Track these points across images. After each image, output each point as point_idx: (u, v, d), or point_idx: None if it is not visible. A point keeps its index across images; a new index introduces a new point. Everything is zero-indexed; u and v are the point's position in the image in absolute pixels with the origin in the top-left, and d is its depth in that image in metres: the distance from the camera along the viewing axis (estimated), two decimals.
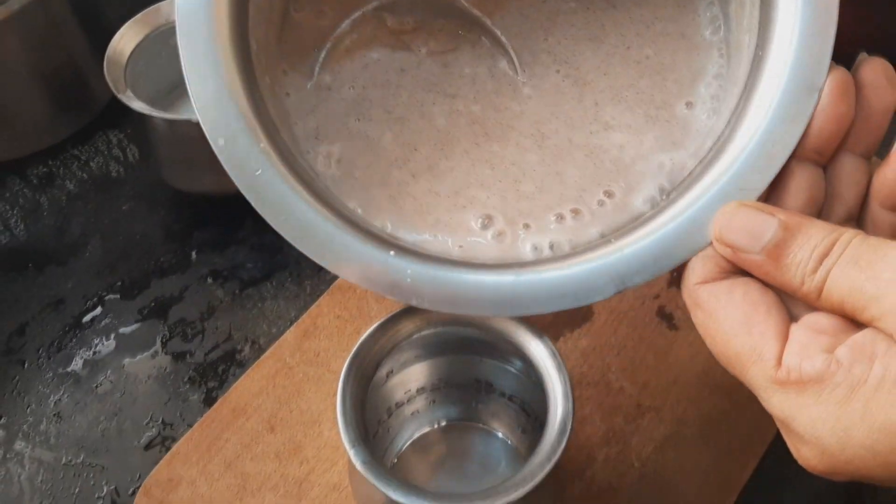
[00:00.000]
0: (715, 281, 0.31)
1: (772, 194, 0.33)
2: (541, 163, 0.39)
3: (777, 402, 0.28)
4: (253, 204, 0.34)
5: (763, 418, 0.54)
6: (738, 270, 0.31)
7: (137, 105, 0.58)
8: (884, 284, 0.27)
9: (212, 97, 0.34)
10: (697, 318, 0.32)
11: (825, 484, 0.54)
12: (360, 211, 0.38)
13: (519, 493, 0.38)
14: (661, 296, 0.58)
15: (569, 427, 0.39)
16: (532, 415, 0.50)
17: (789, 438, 0.29)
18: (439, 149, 0.40)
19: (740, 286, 0.30)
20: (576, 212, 0.38)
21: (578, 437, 0.53)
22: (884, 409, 0.26)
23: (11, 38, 0.65)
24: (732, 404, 0.54)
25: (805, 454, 0.28)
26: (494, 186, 0.39)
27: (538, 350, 0.42)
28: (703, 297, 0.31)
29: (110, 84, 0.59)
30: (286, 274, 0.64)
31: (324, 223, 0.35)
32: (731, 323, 0.30)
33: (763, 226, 0.29)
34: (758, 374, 0.29)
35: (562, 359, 0.41)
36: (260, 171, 0.34)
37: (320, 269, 0.65)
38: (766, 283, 0.31)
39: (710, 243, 0.32)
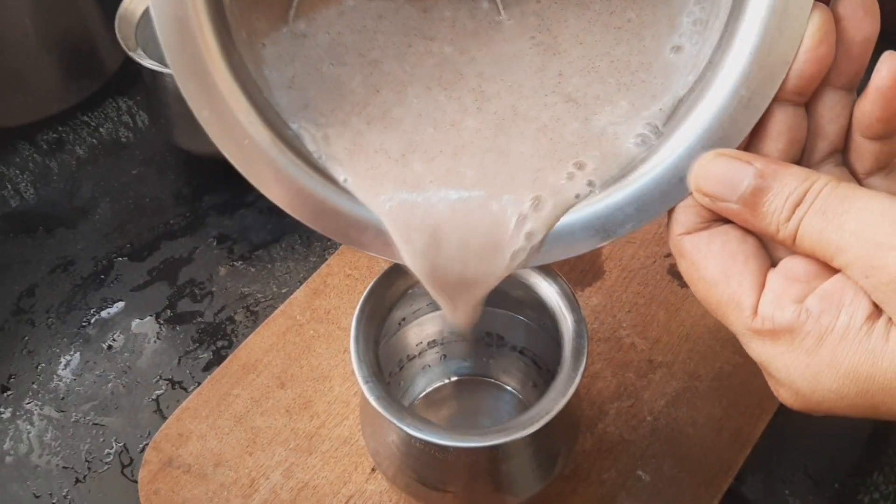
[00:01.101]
0: (697, 231, 0.32)
1: (752, 139, 0.32)
2: (478, 132, 0.37)
3: (755, 348, 0.30)
4: (245, 175, 0.34)
5: None
6: (719, 218, 0.31)
7: (149, 63, 0.58)
8: (848, 236, 0.27)
9: (190, 65, 0.32)
10: (682, 267, 0.32)
11: (839, 440, 0.54)
12: (322, 162, 0.36)
13: (534, 427, 0.37)
14: (672, 255, 0.58)
15: (583, 362, 0.39)
16: (543, 367, 0.50)
17: (768, 380, 0.31)
18: (397, 91, 0.38)
19: (720, 236, 0.31)
20: (537, 199, 0.35)
21: (590, 392, 0.53)
22: (848, 357, 0.27)
23: (21, 2, 0.65)
24: (744, 359, 0.53)
25: (782, 394, 0.30)
26: (437, 158, 0.36)
27: (550, 291, 0.42)
28: (686, 248, 0.32)
29: (121, 42, 0.59)
30: (295, 236, 0.64)
31: (319, 189, 0.35)
32: (711, 273, 0.31)
33: (739, 175, 0.30)
34: (737, 322, 0.30)
35: (575, 297, 0.41)
36: (247, 141, 0.34)
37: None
38: (746, 230, 0.31)
39: (690, 194, 0.32)
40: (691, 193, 0.31)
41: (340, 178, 0.35)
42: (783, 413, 0.52)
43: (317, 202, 0.34)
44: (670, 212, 0.33)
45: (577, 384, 0.38)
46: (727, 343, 0.54)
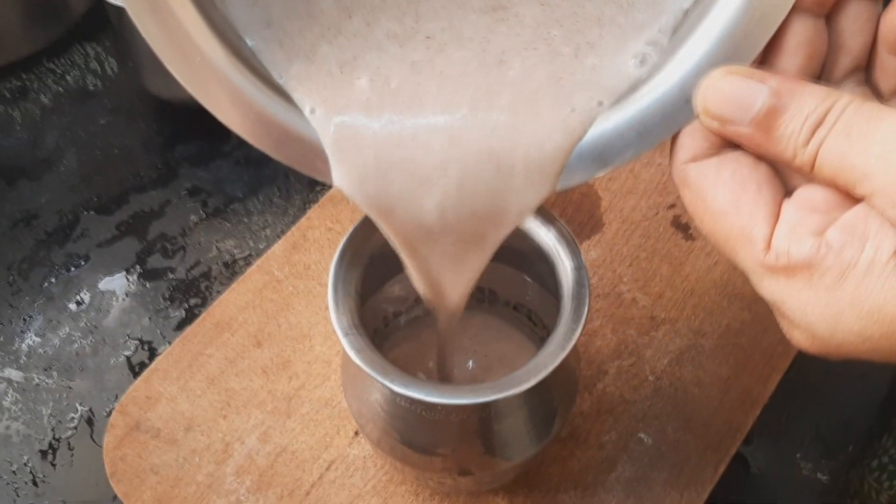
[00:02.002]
0: (704, 158, 0.29)
1: (767, 54, 0.29)
2: (464, 62, 0.33)
3: (767, 286, 0.27)
4: (198, 97, 0.30)
5: None
6: (728, 144, 0.29)
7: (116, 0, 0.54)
8: (874, 161, 0.25)
9: None
10: (686, 197, 0.30)
11: (853, 402, 0.51)
12: (284, 84, 0.32)
13: (530, 382, 0.34)
14: (676, 205, 0.55)
15: (584, 313, 0.35)
16: (539, 324, 0.46)
17: (781, 321, 0.29)
18: (372, 19, 0.33)
19: (730, 163, 0.29)
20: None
21: (588, 350, 0.50)
22: (873, 294, 0.25)
23: None
24: (753, 315, 0.50)
25: (797, 337, 0.28)
26: (416, 85, 0.32)
27: (548, 237, 0.38)
28: (691, 176, 0.29)
29: None
30: (274, 188, 0.61)
31: (282, 114, 0.31)
32: (719, 203, 0.28)
33: (752, 94, 0.27)
34: (747, 258, 0.28)
35: (576, 242, 0.37)
36: (199, 59, 0.30)
37: (311, 183, 0.62)
38: (758, 156, 0.29)
39: (696, 117, 0.29)
40: (698, 116, 0.29)
41: (306, 108, 0.31)
42: (794, 372, 0.49)
43: (279, 128, 0.31)
44: (674, 137, 0.30)
45: (578, 336, 0.35)
46: (735, 298, 0.51)
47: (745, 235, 0.27)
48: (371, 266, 0.39)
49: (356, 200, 0.31)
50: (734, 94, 0.27)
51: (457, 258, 0.34)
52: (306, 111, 0.31)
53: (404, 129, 0.31)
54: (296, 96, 0.31)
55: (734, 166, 0.28)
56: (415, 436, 0.39)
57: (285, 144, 0.31)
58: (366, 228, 0.39)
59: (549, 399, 0.40)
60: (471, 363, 0.46)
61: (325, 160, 0.31)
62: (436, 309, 0.36)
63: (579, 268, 0.36)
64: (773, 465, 0.49)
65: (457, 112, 0.31)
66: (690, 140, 0.29)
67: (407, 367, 0.46)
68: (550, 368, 0.34)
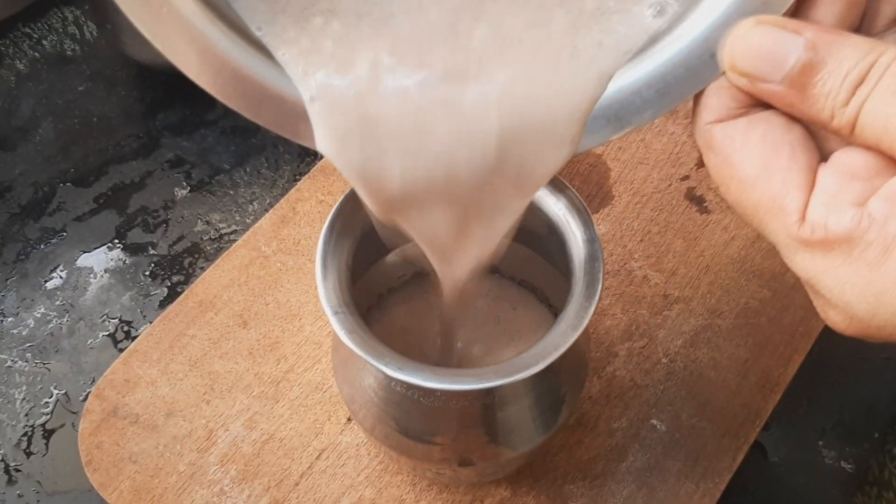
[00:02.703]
0: (731, 118, 0.27)
1: (802, 2, 0.27)
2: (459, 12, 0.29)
3: (801, 261, 0.25)
4: (164, 51, 0.27)
5: (810, 306, 0.48)
6: (758, 103, 0.27)
7: None
8: None
9: None
10: (711, 162, 0.27)
11: (878, 386, 0.48)
12: (263, 38, 0.29)
13: (538, 366, 0.31)
14: (690, 177, 0.51)
15: (598, 290, 0.32)
16: (545, 302, 0.43)
17: (815, 300, 0.27)
18: None
19: (760, 124, 0.26)
20: None
21: (597, 331, 0.46)
22: None
23: None
24: (773, 293, 0.47)
25: (833, 318, 0.26)
26: (409, 37, 0.28)
27: (557, 206, 0.35)
28: (717, 139, 0.27)
29: None
30: (262, 159, 0.57)
31: (260, 71, 0.28)
32: (748, 169, 0.26)
33: (785, 48, 0.25)
34: (779, 230, 0.25)
35: (588, 211, 0.34)
36: (166, 9, 0.26)
37: (301, 153, 0.58)
38: (791, 117, 0.26)
39: (722, 73, 0.27)
40: (724, 72, 0.26)
41: (289, 63, 0.28)
42: (817, 354, 0.46)
43: (256, 87, 0.27)
44: (697, 96, 0.27)
45: (591, 315, 0.32)
46: (753, 275, 0.48)
47: (776, 205, 0.25)
48: (364, 238, 0.36)
49: (342, 168, 0.28)
50: (765, 47, 0.25)
51: (471, 235, 0.30)
52: (289, 67, 0.27)
53: (403, 87, 0.27)
54: (278, 53, 0.28)
55: (765, 128, 0.26)
56: (411, 423, 0.36)
57: (263, 105, 0.28)
58: (358, 197, 0.35)
59: (557, 384, 0.37)
60: (475, 346, 0.43)
61: (308, 122, 0.27)
62: (447, 290, 0.33)
63: (592, 240, 0.33)
64: (793, 453, 0.47)
65: (466, 68, 0.28)
66: (716, 99, 0.27)
67: (403, 348, 0.43)
68: (561, 350, 0.31)
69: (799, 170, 0.25)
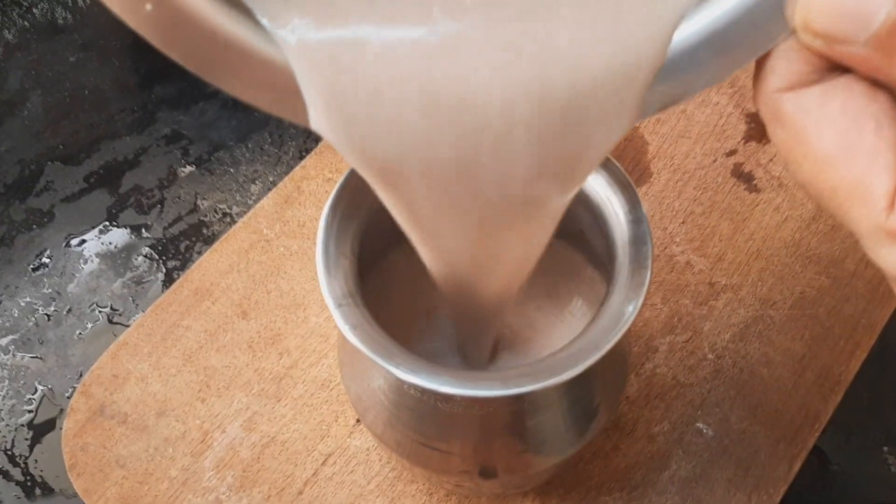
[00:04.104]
0: (804, 86, 0.23)
1: None
2: None
3: (887, 255, 0.22)
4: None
5: (874, 295, 0.43)
6: (836, 67, 0.23)
7: None
8: None
9: None
10: (779, 137, 0.24)
11: None
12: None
13: (577, 368, 0.26)
14: (738, 151, 0.47)
15: (646, 279, 0.28)
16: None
17: None
18: None
19: (839, 94, 0.23)
20: None
21: (635, 323, 0.42)
22: None
23: None
24: (832, 281, 0.43)
25: None
26: None
27: (596, 181, 0.30)
28: (786, 110, 0.23)
29: None
30: (265, 134, 0.54)
31: (241, 33, 0.23)
32: (825, 147, 0.23)
33: (871, 2, 0.22)
34: (862, 218, 0.23)
35: (634, 189, 0.29)
36: None
37: (306, 129, 0.54)
38: (876, 84, 0.23)
39: (793, 33, 0.23)
40: (795, 32, 0.23)
41: (277, 22, 0.23)
42: (881, 349, 0.42)
43: (237, 53, 0.23)
44: (760, 59, 0.24)
45: (638, 309, 0.27)
46: (809, 261, 0.44)
47: (860, 189, 0.22)
48: (373, 221, 0.31)
49: (344, 151, 0.24)
50: (847, 2, 0.22)
51: (506, 236, 0.26)
52: (277, 28, 0.23)
53: (426, 49, 0.22)
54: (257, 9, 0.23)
55: (844, 98, 0.23)
56: (427, 430, 0.32)
57: (243, 73, 0.23)
58: None
59: (594, 387, 0.32)
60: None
61: (301, 96, 0.23)
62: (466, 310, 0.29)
63: (639, 220, 0.29)
64: (855, 461, 0.43)
65: (507, 26, 0.23)
66: (785, 63, 0.23)
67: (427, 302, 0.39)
68: (603, 351, 0.26)
69: (887, 148, 0.22)
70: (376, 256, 0.35)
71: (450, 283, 0.29)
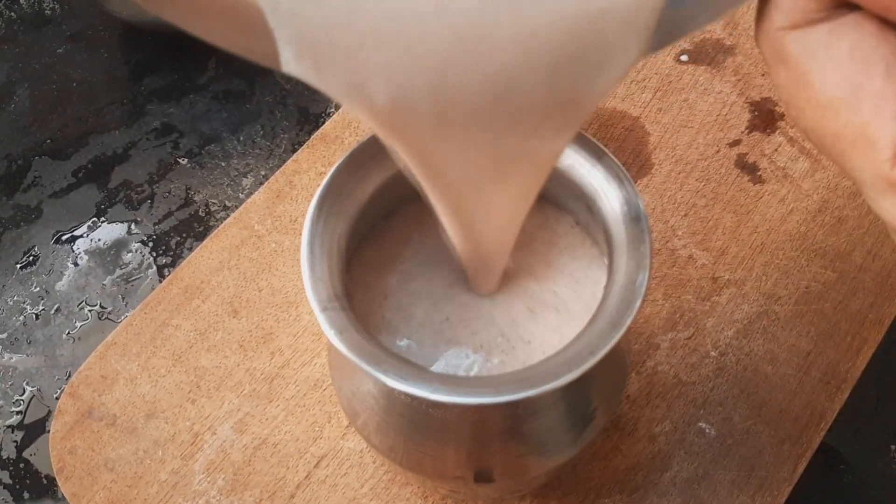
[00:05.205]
0: (809, 24, 0.22)
1: None
2: None
3: (889, 206, 0.22)
4: None
5: (882, 289, 0.42)
6: (843, 4, 0.22)
7: None
8: None
9: None
10: (781, 78, 0.23)
11: None
12: None
13: (574, 373, 0.25)
14: (741, 141, 0.45)
15: (645, 278, 0.26)
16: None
17: None
18: None
19: (847, 33, 0.22)
20: None
21: (635, 320, 0.41)
22: None
23: None
24: (838, 275, 0.42)
25: None
26: None
27: (592, 174, 0.29)
28: (790, 50, 0.22)
29: None
30: (257, 127, 0.53)
31: None
32: (831, 91, 0.22)
33: None
34: (865, 167, 0.22)
35: (632, 183, 0.28)
36: None
37: (301, 121, 0.53)
38: (886, 23, 0.22)
39: None
40: None
41: None
42: (889, 344, 0.41)
43: None
44: None
45: (638, 309, 0.26)
46: (815, 254, 0.42)
47: (864, 137, 0.21)
48: (361, 217, 0.30)
49: (326, 89, 0.22)
50: None
51: (504, 176, 0.25)
52: None
53: None
54: None
55: (853, 37, 0.22)
56: (419, 435, 0.31)
57: (210, 11, 0.21)
58: (354, 166, 0.30)
59: (592, 389, 0.31)
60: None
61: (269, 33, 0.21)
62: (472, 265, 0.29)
63: (638, 218, 0.27)
64: (863, 460, 0.42)
65: None
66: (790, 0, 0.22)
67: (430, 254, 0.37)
68: (600, 354, 0.25)
69: (894, 94, 0.21)
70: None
71: (457, 224, 0.28)
